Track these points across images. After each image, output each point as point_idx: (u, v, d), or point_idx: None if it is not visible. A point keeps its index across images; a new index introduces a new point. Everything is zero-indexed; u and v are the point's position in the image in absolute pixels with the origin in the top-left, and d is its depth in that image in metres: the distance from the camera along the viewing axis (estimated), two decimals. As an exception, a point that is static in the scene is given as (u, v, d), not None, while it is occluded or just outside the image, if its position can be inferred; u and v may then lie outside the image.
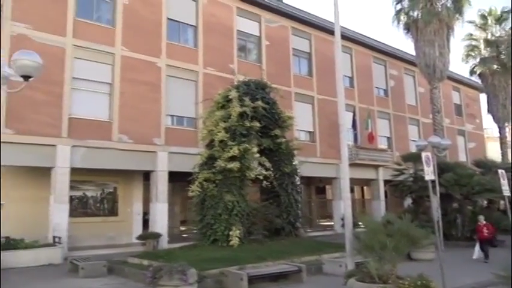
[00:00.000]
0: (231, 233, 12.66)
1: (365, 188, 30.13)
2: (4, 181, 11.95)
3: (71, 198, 15.70)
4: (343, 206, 9.81)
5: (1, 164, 11.82)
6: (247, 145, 13.32)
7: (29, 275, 11.26)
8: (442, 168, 16.99)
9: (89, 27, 16.24)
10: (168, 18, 18.47)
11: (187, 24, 19.41)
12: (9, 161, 12.97)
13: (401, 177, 20.03)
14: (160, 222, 16.81)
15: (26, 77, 6.25)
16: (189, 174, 14.10)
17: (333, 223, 24.24)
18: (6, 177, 12.23)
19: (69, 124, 15.20)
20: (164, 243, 16.29)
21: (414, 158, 18.42)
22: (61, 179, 14.74)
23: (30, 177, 15.37)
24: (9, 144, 13.35)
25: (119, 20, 16.98)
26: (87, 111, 15.77)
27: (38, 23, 14.93)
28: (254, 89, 14.98)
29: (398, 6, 25.93)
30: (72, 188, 15.39)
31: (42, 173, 15.11)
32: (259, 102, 14.27)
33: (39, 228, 14.37)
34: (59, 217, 14.46)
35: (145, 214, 18.12)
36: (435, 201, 12.50)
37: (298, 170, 15.86)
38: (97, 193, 17.64)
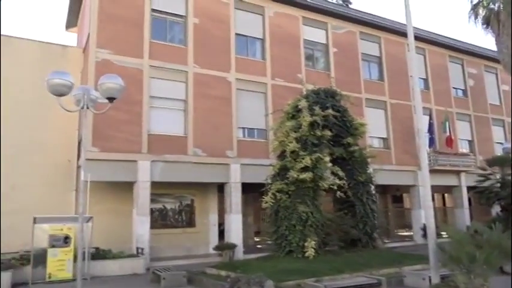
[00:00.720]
0: (306, 244, 12.46)
1: (446, 195, 28.35)
2: (91, 196, 12.94)
3: (152, 211, 16.45)
4: (425, 215, 9.31)
5: (89, 180, 12.79)
6: (319, 155, 13.14)
7: (115, 283, 11.98)
8: (534, 172, 15.53)
9: (163, 48, 17.15)
10: (236, 34, 18.97)
11: (255, 37, 19.79)
12: (96, 177, 13.84)
13: (487, 183, 18.53)
14: (235, 233, 17.11)
15: (111, 99, 6.75)
16: (261, 185, 14.22)
17: (412, 233, 23.07)
18: (92, 192, 13.24)
19: (148, 140, 16.06)
20: (240, 254, 16.53)
21: (501, 162, 17.02)
22: (142, 193, 15.58)
23: (114, 191, 16.39)
24: (96, 161, 14.44)
25: (190, 39, 17.74)
26: (164, 127, 16.57)
27: (118, 48, 16.06)
28: (324, 98, 14.80)
29: (475, 0, 24.34)
30: (152, 200, 16.14)
31: (125, 188, 16.09)
32: (330, 111, 14.07)
33: (123, 240, 15.27)
34: (141, 229, 15.25)
35: (221, 225, 18.53)
36: (529, 209, 11.43)
37: (373, 179, 15.29)
38: (175, 205, 18.40)
